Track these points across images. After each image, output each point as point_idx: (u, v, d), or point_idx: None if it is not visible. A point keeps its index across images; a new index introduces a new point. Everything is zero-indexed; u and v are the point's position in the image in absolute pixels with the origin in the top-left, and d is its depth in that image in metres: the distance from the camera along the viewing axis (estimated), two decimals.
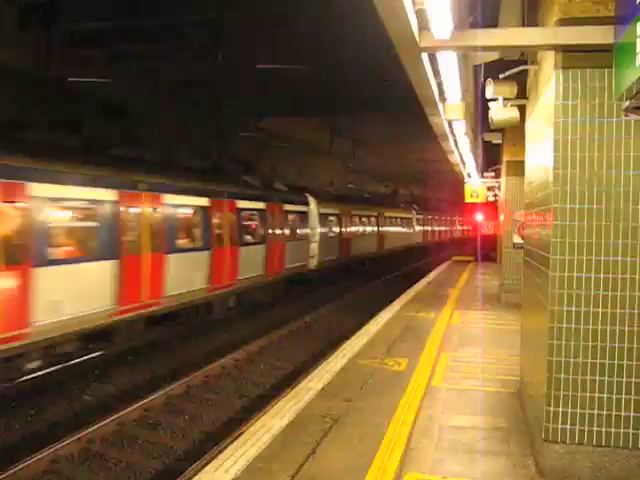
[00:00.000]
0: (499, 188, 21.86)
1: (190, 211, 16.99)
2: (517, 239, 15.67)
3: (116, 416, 10.19)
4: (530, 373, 7.05)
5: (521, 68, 7.31)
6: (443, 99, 9.43)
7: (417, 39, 5.80)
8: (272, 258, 21.70)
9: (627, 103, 4.90)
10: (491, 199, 25.77)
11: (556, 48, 5.44)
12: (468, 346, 11.40)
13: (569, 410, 5.45)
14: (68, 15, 17.18)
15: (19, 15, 17.16)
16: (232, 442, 6.81)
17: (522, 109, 8.12)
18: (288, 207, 23.89)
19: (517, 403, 7.87)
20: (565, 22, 5.34)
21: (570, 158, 5.44)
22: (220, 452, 6.64)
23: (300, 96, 25.11)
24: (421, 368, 9.71)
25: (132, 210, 13.91)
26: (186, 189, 16.51)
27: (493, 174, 22.59)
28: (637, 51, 3.96)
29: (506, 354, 10.37)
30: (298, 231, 25.05)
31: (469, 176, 23.27)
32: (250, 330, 17.75)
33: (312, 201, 27.31)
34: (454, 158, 18.75)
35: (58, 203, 11.82)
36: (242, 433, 7.21)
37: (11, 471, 8.05)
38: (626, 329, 5.34)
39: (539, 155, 6.55)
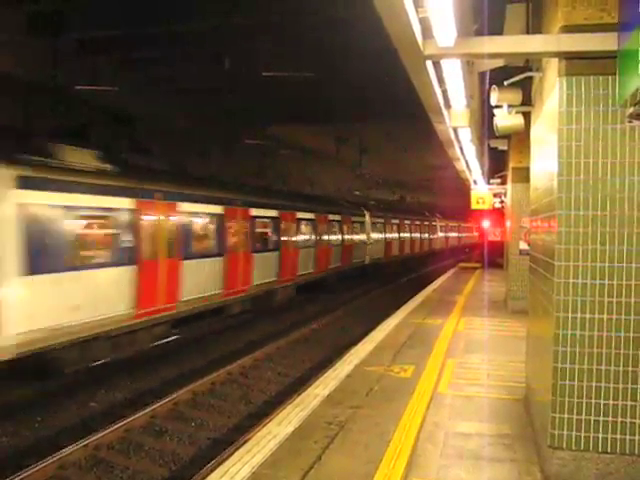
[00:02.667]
0: (505, 195, 21.85)
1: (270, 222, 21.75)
2: (523, 245, 15.67)
3: (123, 423, 10.22)
4: (536, 380, 7.04)
5: (525, 75, 7.32)
6: (448, 106, 9.45)
7: (421, 47, 5.82)
8: (348, 255, 30.99)
9: (631, 110, 4.91)
10: (497, 206, 25.75)
11: (560, 55, 5.45)
12: (474, 353, 11.39)
13: (574, 417, 5.45)
14: (76, 23, 17.31)
15: (28, 23, 17.28)
16: (238, 449, 6.82)
17: (527, 116, 8.14)
18: (354, 219, 32.80)
19: (523, 410, 7.86)
20: (569, 29, 5.36)
21: (574, 165, 5.45)
22: (226, 459, 6.64)
23: (306, 104, 25.21)
24: (427, 375, 9.71)
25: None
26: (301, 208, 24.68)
27: (499, 181, 22.57)
28: None
29: (512, 361, 10.35)
30: (359, 237, 33.49)
31: (475, 183, 23.25)
32: (257, 336, 17.78)
33: (367, 213, 35.43)
34: (460, 165, 18.74)
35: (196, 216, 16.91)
36: (248, 440, 7.22)
37: (18, 477, 8.07)
38: (631, 335, 5.34)
39: (544, 162, 6.56)
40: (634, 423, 5.35)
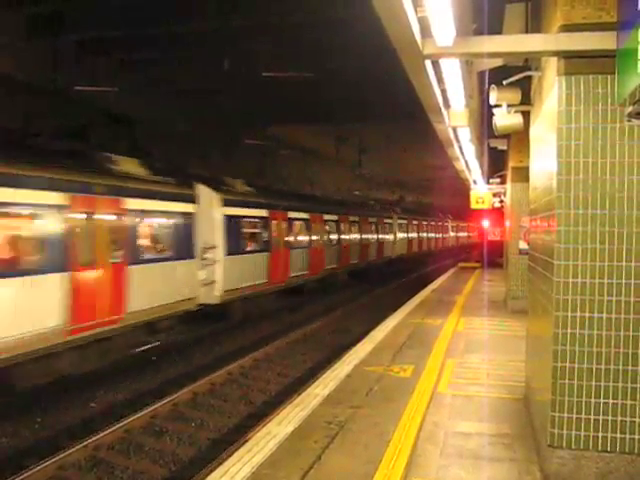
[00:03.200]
0: (505, 194, 21.85)
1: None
2: (523, 245, 15.67)
3: (123, 423, 10.23)
4: (535, 379, 7.04)
5: (525, 74, 7.32)
6: (447, 106, 9.45)
7: (420, 46, 5.82)
8: (381, 250, 38.79)
9: (630, 108, 4.91)
10: (497, 205, 25.75)
11: (559, 54, 5.45)
12: (474, 352, 11.39)
13: (574, 416, 5.44)
14: (75, 24, 17.31)
15: (27, 24, 17.29)
16: (238, 449, 6.82)
17: (527, 115, 8.14)
18: (385, 221, 40.16)
19: (522, 409, 7.86)
20: (568, 28, 5.35)
21: (573, 164, 5.45)
22: (226, 459, 6.64)
23: (305, 104, 25.22)
24: (427, 374, 9.71)
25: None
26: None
27: (499, 180, 22.58)
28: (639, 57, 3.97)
29: (512, 360, 10.35)
30: (388, 236, 40.94)
31: (475, 182, 23.26)
32: (256, 337, 17.79)
33: (394, 215, 42.90)
34: (460, 165, 18.75)
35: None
36: (248, 440, 7.22)
37: (18, 478, 8.07)
38: (631, 334, 5.33)
39: (543, 161, 6.56)
40: (634, 422, 5.35)
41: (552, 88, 5.75)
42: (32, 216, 11.18)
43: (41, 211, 11.26)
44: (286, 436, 6.90)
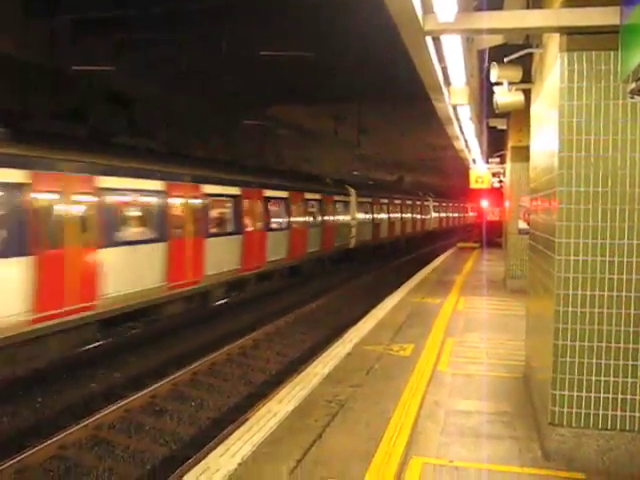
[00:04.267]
0: (504, 174, 21.81)
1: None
2: (522, 225, 15.65)
3: (123, 403, 10.26)
4: (536, 357, 7.05)
5: (526, 51, 7.25)
6: (448, 83, 9.38)
7: (421, 22, 5.77)
8: (415, 227, 48.18)
9: (633, 85, 4.85)
10: (496, 185, 25.71)
11: (561, 30, 5.39)
12: (474, 331, 11.40)
13: (575, 393, 5.45)
14: (72, 4, 17.17)
15: (24, 4, 17.14)
16: (238, 427, 6.83)
17: (527, 94, 8.08)
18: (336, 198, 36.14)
19: (523, 388, 7.87)
20: (570, 3, 5.29)
21: (575, 141, 5.41)
22: (226, 437, 6.66)
23: (304, 84, 25.08)
24: (427, 353, 9.72)
25: None
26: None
27: (498, 160, 22.53)
28: None
29: (512, 339, 10.37)
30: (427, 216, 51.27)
31: (474, 162, 23.21)
32: (256, 317, 17.80)
33: (430, 198, 53.18)
34: (459, 144, 18.69)
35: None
36: (248, 419, 7.23)
37: (19, 457, 8.10)
38: (632, 312, 5.32)
39: (544, 139, 6.52)
40: (634, 400, 5.36)
41: (554, 65, 5.70)
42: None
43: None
44: (286, 415, 6.91)
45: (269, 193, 21.85)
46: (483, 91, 12.56)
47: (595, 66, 5.35)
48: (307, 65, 21.08)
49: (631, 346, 5.34)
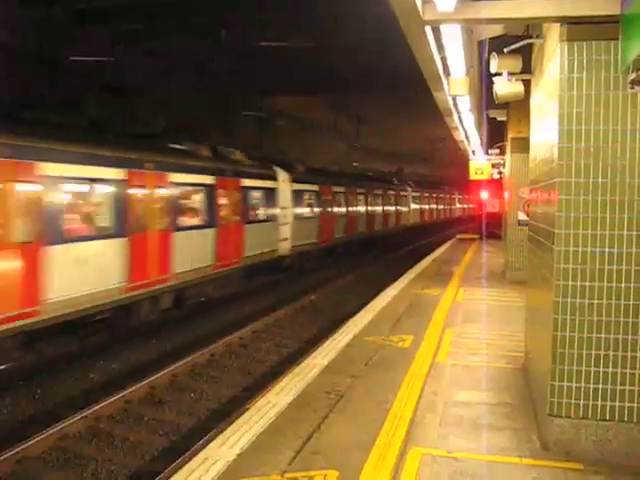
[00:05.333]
0: (504, 165, 21.78)
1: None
2: (522, 216, 15.63)
3: (122, 394, 10.25)
4: (535, 348, 7.05)
5: (526, 42, 7.22)
6: (447, 74, 9.35)
7: (421, 12, 5.74)
8: (387, 223, 40.83)
9: (633, 75, 4.84)
10: (496, 177, 25.68)
11: (561, 20, 5.37)
12: (473, 323, 11.41)
13: (573, 385, 5.45)
14: None
15: None
16: (237, 418, 6.84)
17: (527, 85, 8.06)
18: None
19: (521, 379, 7.88)
20: None
21: (575, 132, 5.40)
22: (225, 428, 6.66)
23: (303, 74, 25.04)
24: (426, 344, 9.73)
25: None
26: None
27: (498, 151, 22.50)
28: None
29: (510, 330, 10.37)
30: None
31: (474, 153, 23.18)
32: (256, 308, 17.79)
33: (409, 187, 46.60)
34: (459, 135, 18.66)
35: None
36: (247, 409, 7.23)
37: (18, 448, 8.10)
38: (631, 303, 5.32)
39: (544, 130, 6.51)
40: (633, 391, 5.36)
41: (554, 55, 5.68)
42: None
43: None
44: (286, 405, 6.92)
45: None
46: (483, 82, 12.52)
47: (595, 56, 5.33)
48: (306, 55, 21.04)
49: (630, 337, 5.34)
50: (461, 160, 31.25)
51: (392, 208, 41.64)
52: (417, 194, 50.57)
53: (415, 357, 8.97)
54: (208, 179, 17.56)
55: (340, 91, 27.54)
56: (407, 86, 19.68)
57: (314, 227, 26.79)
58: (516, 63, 7.31)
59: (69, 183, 12.44)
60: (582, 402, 5.45)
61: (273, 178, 22.65)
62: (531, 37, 7.51)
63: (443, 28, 6.84)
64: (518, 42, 7.22)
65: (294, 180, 24.32)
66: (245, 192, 20.02)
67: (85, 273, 12.37)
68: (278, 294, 20.29)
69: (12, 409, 10.11)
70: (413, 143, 45.73)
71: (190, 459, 5.79)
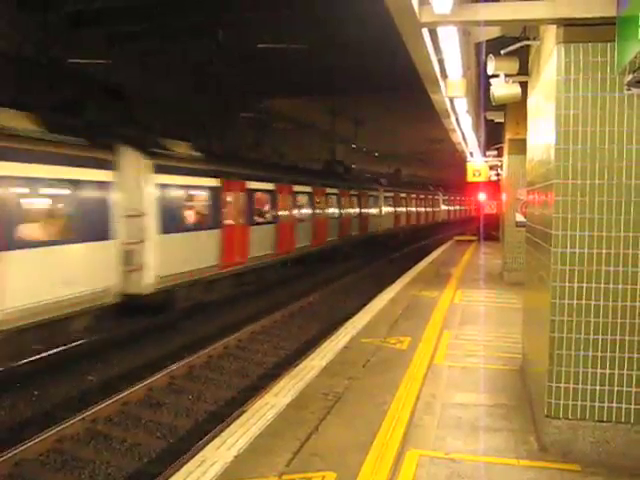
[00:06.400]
0: (501, 167, 21.80)
1: None
2: (520, 218, 15.65)
3: (120, 396, 10.25)
4: (532, 350, 7.05)
5: (523, 44, 7.23)
6: (444, 76, 9.36)
7: (417, 14, 5.74)
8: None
9: (629, 77, 4.86)
10: (493, 178, 25.70)
11: (558, 22, 5.38)
12: (470, 324, 11.41)
13: (571, 386, 5.46)
14: None
15: None
16: (235, 420, 6.84)
17: (524, 86, 8.07)
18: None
19: (519, 380, 7.88)
20: None
21: (572, 133, 5.41)
22: (223, 430, 6.66)
23: (301, 76, 25.05)
24: (423, 346, 9.72)
25: None
26: None
27: (495, 153, 22.52)
28: None
29: (508, 332, 10.37)
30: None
31: (471, 155, 23.20)
32: (253, 310, 17.79)
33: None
34: (456, 137, 18.67)
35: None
36: (245, 411, 7.23)
37: (16, 450, 8.09)
38: (628, 305, 5.33)
39: (541, 131, 6.52)
40: (630, 392, 5.37)
41: (550, 57, 5.70)
42: None
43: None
44: (283, 407, 6.92)
45: None
46: (480, 84, 12.54)
47: (592, 58, 5.34)
48: (303, 56, 21.05)
49: (627, 338, 5.34)
50: (459, 162, 31.23)
51: (352, 212, 32.99)
52: (391, 194, 42.30)
53: (413, 359, 8.96)
54: None
55: (338, 93, 27.53)
56: (405, 88, 19.68)
57: (210, 244, 17.51)
58: (513, 65, 7.34)
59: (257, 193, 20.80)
60: (579, 403, 5.46)
61: (103, 163, 13.62)
62: (528, 39, 7.53)
63: (440, 30, 6.84)
64: (515, 44, 7.23)
65: (160, 169, 15.26)
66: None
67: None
68: (275, 296, 20.29)
69: (10, 411, 10.10)
70: (411, 145, 45.73)
71: (188, 461, 5.80)
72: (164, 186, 15.37)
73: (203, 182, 17.40)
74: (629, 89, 5.14)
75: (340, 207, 30.86)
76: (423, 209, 55.29)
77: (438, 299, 14.15)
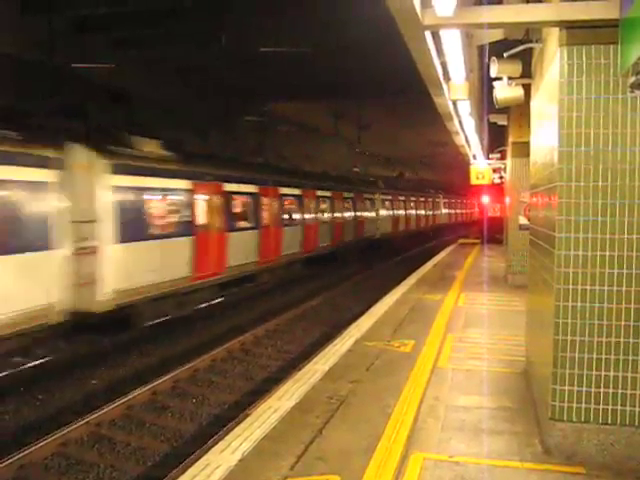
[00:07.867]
0: (505, 170, 21.79)
1: None
2: (523, 220, 15.65)
3: (124, 400, 10.25)
4: (536, 352, 7.04)
5: (525, 46, 7.24)
6: (447, 79, 9.36)
7: (420, 17, 5.75)
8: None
9: (632, 79, 4.85)
10: (497, 181, 25.68)
11: (560, 24, 5.38)
12: (474, 327, 11.40)
13: (575, 388, 5.45)
14: (70, 1, 17.12)
15: (22, 2, 17.09)
16: (239, 424, 6.83)
17: (527, 89, 8.07)
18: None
19: (523, 383, 7.87)
20: None
21: (575, 135, 5.41)
22: (227, 433, 6.66)
23: (304, 80, 25.04)
24: (427, 349, 9.71)
25: None
26: None
27: (499, 156, 22.51)
28: None
29: (512, 335, 10.36)
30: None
31: (474, 158, 23.19)
32: (257, 313, 17.80)
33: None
34: (459, 139, 18.67)
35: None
36: (249, 415, 7.22)
37: (21, 454, 8.10)
38: (632, 307, 5.32)
39: (544, 134, 6.52)
40: (635, 394, 5.35)
41: (553, 59, 5.69)
42: None
43: None
44: (287, 411, 6.91)
45: None
46: (483, 87, 12.54)
47: (595, 60, 5.34)
48: (306, 60, 21.04)
49: (631, 340, 5.33)
50: (462, 165, 31.21)
51: (347, 216, 31.84)
52: (390, 197, 41.39)
53: (417, 362, 8.96)
54: None
55: (341, 96, 27.50)
56: (408, 91, 19.66)
57: (182, 253, 16.03)
58: (516, 67, 7.34)
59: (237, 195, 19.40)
60: (584, 406, 5.44)
61: (41, 161, 11.86)
62: (531, 41, 7.54)
63: (443, 33, 6.85)
64: (518, 46, 7.24)
65: (119, 169, 13.73)
66: None
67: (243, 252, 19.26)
68: (279, 299, 20.29)
69: (14, 415, 10.11)
70: (414, 148, 45.63)
71: (192, 465, 5.79)
72: (124, 189, 13.70)
73: (172, 184, 15.70)
74: (632, 91, 5.13)
75: (333, 211, 29.45)
76: (424, 212, 54.15)
77: (442, 302, 14.14)
